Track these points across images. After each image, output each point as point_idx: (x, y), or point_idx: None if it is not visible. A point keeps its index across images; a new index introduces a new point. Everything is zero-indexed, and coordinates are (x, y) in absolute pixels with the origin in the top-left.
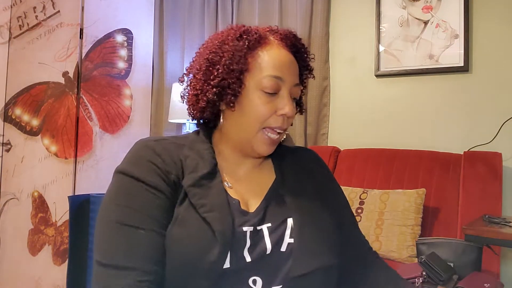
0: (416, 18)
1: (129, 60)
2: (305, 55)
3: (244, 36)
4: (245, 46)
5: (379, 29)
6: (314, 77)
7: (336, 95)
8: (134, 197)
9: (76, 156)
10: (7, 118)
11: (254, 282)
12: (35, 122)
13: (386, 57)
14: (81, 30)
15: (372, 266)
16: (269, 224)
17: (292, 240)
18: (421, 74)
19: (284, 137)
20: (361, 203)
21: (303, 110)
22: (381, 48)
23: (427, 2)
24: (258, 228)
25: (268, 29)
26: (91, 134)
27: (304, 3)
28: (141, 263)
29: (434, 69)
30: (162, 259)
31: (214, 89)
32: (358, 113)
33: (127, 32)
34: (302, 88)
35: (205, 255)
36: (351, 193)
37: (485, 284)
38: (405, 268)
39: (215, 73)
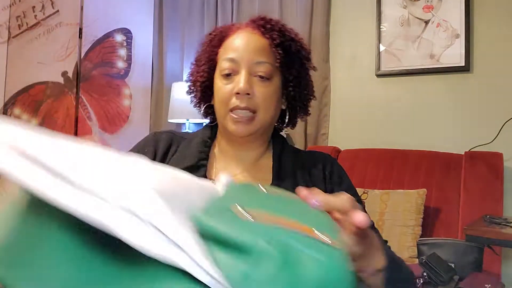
0: (417, 18)
1: (129, 59)
2: (280, 34)
3: (211, 34)
4: (210, 44)
5: (379, 28)
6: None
7: (337, 95)
8: None
9: None
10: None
11: None
12: (34, 122)
13: (386, 57)
14: (80, 29)
15: None
16: None
17: None
18: (422, 73)
19: (259, 118)
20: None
21: (304, 114)
22: (382, 48)
23: (427, 1)
24: None
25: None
26: (90, 134)
27: (304, 3)
28: None
29: (435, 68)
30: None
31: (196, 89)
32: (358, 113)
33: (126, 32)
34: (276, 65)
35: None
36: None
37: (486, 285)
38: None
39: (193, 75)
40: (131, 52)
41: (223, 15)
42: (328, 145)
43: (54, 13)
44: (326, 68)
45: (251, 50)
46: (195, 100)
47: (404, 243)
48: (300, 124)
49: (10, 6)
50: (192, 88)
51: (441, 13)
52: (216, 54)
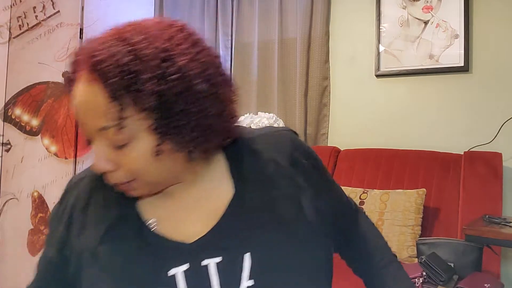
0: (416, 18)
1: None
2: (122, 77)
3: (66, 75)
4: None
5: (379, 29)
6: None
7: (336, 95)
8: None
9: (76, 156)
10: (7, 118)
11: None
12: (35, 122)
13: (386, 57)
14: (81, 30)
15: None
16: (219, 259)
17: (251, 283)
18: (421, 74)
19: (141, 183)
20: (361, 203)
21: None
22: (381, 48)
23: (427, 2)
24: (203, 263)
25: (87, 46)
26: None
27: (304, 3)
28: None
29: (434, 69)
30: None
31: None
32: (358, 113)
33: None
34: (124, 125)
35: None
36: (351, 193)
37: (486, 284)
38: (405, 268)
39: None
40: None
41: (223, 15)
42: (328, 145)
43: (54, 14)
44: (325, 68)
45: (88, 113)
46: None
47: (404, 243)
48: (300, 124)
49: (11, 7)
50: None
51: (440, 13)
52: None
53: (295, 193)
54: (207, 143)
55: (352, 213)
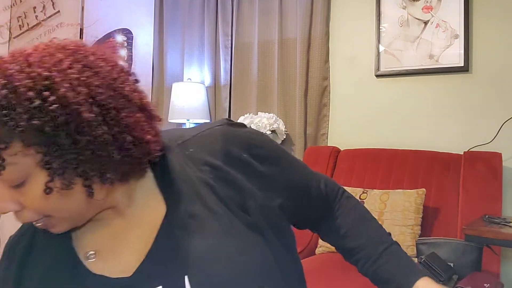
0: (416, 18)
1: (129, 60)
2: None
3: None
4: None
5: (379, 29)
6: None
7: (336, 95)
8: None
9: None
10: None
11: None
12: None
13: (386, 57)
14: (81, 30)
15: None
16: None
17: None
18: (421, 74)
19: (54, 220)
20: (361, 203)
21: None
22: (381, 48)
23: (427, 2)
24: None
25: None
26: None
27: (304, 3)
28: None
29: (434, 69)
30: None
31: None
32: (358, 113)
33: (127, 32)
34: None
35: None
36: (351, 193)
37: (485, 284)
38: None
39: None
40: (131, 53)
41: (223, 15)
42: (328, 145)
43: (55, 14)
44: (325, 68)
45: None
46: None
47: (404, 243)
48: (300, 124)
49: (11, 7)
50: None
51: (440, 13)
52: None
53: (234, 196)
54: (113, 172)
55: (326, 199)
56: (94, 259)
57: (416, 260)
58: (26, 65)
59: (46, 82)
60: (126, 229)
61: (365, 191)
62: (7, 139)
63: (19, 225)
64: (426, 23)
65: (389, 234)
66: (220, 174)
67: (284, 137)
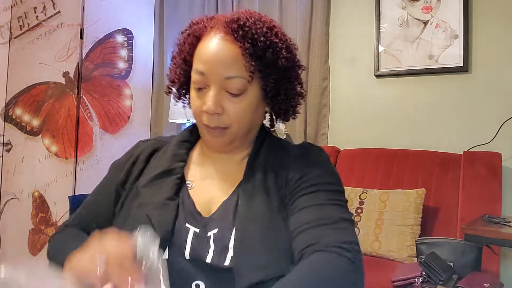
0: (416, 19)
1: (130, 60)
2: (254, 41)
3: (185, 32)
4: (185, 44)
5: (379, 29)
6: (297, 65)
7: (336, 95)
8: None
9: (76, 156)
10: (8, 118)
11: (197, 286)
12: (35, 122)
13: (385, 57)
14: (82, 30)
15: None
16: (215, 231)
17: (233, 254)
18: (421, 74)
19: (232, 131)
20: (361, 203)
21: (292, 114)
22: (381, 48)
23: (426, 2)
24: (209, 233)
25: (220, 17)
26: (91, 134)
27: (304, 3)
28: (85, 212)
29: (433, 69)
30: (103, 221)
31: (175, 88)
32: (358, 113)
33: (127, 33)
34: (249, 79)
35: None
36: (351, 193)
37: (485, 284)
38: (405, 268)
39: (171, 75)
40: (132, 53)
41: None
42: (328, 145)
43: (55, 14)
44: (325, 68)
45: (220, 63)
46: (176, 98)
47: (403, 243)
48: (300, 124)
49: (12, 7)
50: (171, 87)
51: (440, 14)
52: (191, 55)
53: (281, 202)
54: (288, 110)
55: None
56: (191, 188)
57: (416, 260)
58: (269, 19)
59: (277, 48)
60: (219, 175)
61: (365, 191)
62: (253, 62)
63: (20, 225)
64: (425, 23)
65: None
66: (283, 184)
67: (284, 137)
